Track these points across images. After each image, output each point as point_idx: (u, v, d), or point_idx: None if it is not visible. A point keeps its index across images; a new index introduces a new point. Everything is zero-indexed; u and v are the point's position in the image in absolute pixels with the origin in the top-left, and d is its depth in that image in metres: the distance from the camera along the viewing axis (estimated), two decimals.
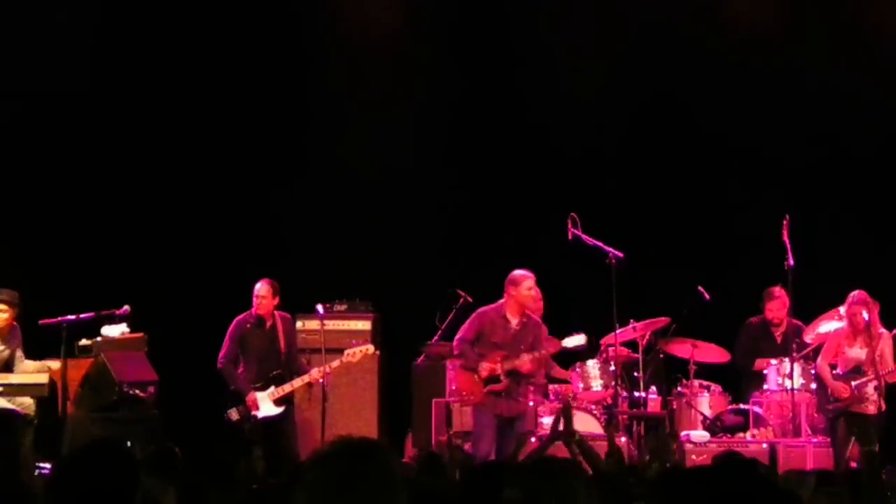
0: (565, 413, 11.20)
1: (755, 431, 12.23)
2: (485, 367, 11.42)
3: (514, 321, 11.51)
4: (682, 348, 12.68)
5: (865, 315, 11.58)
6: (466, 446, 11.95)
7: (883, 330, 11.69)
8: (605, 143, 14.46)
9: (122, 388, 11.53)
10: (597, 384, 12.61)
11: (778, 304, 12.83)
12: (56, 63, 13.96)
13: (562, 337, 11.81)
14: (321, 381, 12.03)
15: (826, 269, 12.69)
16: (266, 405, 11.94)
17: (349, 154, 14.55)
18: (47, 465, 11.00)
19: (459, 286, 13.25)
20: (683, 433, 12.18)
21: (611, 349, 12.23)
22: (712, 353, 12.82)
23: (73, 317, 11.55)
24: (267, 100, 14.61)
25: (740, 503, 3.57)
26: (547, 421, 12.13)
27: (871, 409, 11.56)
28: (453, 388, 12.10)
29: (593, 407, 12.41)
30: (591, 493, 4.42)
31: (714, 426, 12.34)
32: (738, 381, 12.98)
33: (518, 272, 11.55)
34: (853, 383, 11.54)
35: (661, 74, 14.48)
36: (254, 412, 11.91)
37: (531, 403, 11.93)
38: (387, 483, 3.42)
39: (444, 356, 13.04)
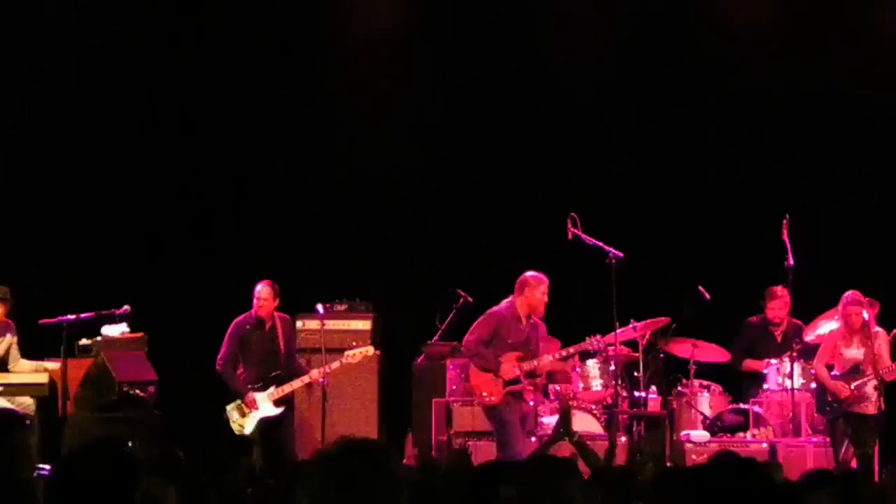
0: (564, 414, 11.24)
1: (755, 431, 12.22)
2: (507, 369, 11.47)
3: (524, 322, 11.57)
4: (682, 348, 12.68)
5: (865, 315, 11.59)
6: (471, 444, 11.97)
7: (878, 329, 11.69)
8: (605, 142, 14.47)
9: (122, 388, 11.53)
10: (597, 384, 12.62)
11: (780, 304, 12.82)
12: (56, 62, 13.97)
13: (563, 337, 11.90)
14: (321, 381, 12.03)
15: (826, 269, 12.68)
16: (265, 405, 11.94)
17: (349, 154, 14.56)
18: (47, 466, 10.99)
19: (459, 286, 13.26)
20: (683, 433, 12.18)
21: (611, 349, 12.23)
22: (712, 353, 12.81)
23: (73, 317, 11.56)
24: (266, 99, 14.60)
25: (737, 502, 3.58)
26: (547, 421, 12.14)
27: (871, 408, 11.55)
28: (470, 387, 11.89)
29: (593, 407, 12.41)
30: (588, 493, 4.43)
31: (714, 426, 12.34)
32: (739, 381, 12.99)
33: (533, 274, 11.59)
34: (853, 384, 11.54)
35: (661, 74, 14.48)
36: (253, 413, 11.91)
37: (531, 403, 11.95)
38: (387, 483, 3.43)
39: (444, 356, 13.05)
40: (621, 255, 11.94)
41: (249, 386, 11.97)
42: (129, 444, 11.01)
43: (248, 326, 12.06)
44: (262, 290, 12.04)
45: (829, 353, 11.76)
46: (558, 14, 14.46)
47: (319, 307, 12.60)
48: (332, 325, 12.91)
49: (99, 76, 14.32)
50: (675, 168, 14.37)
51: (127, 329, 12.10)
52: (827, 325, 12.29)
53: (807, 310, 12.50)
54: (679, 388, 12.64)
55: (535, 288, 11.53)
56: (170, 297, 13.66)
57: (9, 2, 14.23)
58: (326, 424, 12.03)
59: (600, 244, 12.03)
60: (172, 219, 14.32)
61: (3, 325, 11.73)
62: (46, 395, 11.50)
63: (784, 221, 12.21)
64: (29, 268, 13.68)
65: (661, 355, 12.71)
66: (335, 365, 12.05)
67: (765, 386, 12.57)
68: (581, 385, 12.62)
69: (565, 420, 11.45)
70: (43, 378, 11.52)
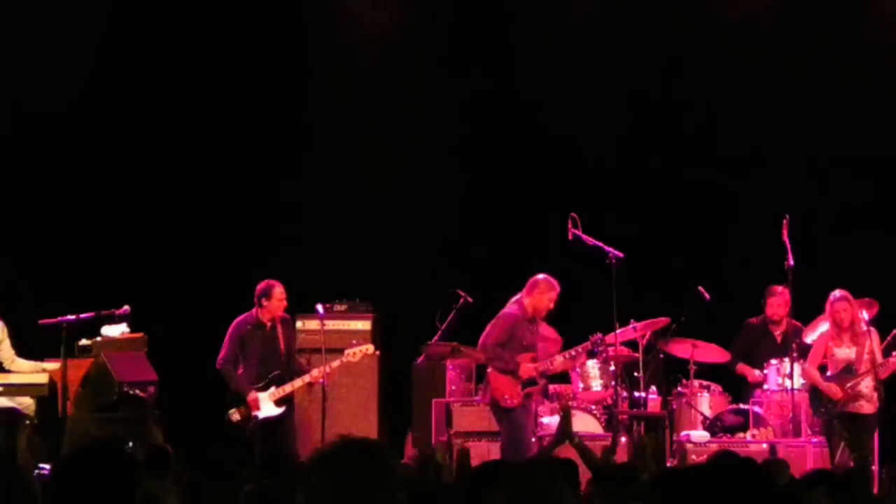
0: (565, 416, 11.27)
1: (755, 431, 12.22)
2: (526, 370, 11.52)
3: (535, 322, 11.66)
4: (682, 348, 12.68)
5: (865, 315, 11.59)
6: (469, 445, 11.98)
7: (869, 328, 11.68)
8: (605, 142, 14.45)
9: (122, 388, 11.52)
10: (597, 384, 12.62)
11: (779, 300, 12.82)
12: (56, 62, 13.96)
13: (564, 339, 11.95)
14: (321, 381, 12.03)
15: (826, 269, 12.68)
16: (267, 405, 11.94)
17: (349, 154, 14.56)
18: (47, 466, 10.99)
19: (459, 286, 13.25)
20: (683, 433, 12.18)
21: (611, 349, 12.23)
22: (712, 353, 12.81)
23: (73, 317, 11.55)
24: (267, 99, 14.61)
25: (737, 502, 3.58)
26: (547, 421, 12.15)
27: (867, 407, 11.55)
28: (490, 390, 11.79)
29: (593, 407, 12.41)
30: (579, 494, 4.43)
31: (714, 426, 12.33)
32: (739, 381, 12.98)
33: (545, 278, 11.64)
34: (847, 385, 11.53)
35: (661, 74, 14.48)
36: (254, 412, 11.91)
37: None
38: (387, 481, 3.43)
39: (444, 356, 13.04)
40: (621, 255, 11.95)
41: (251, 386, 11.97)
42: (130, 444, 11.02)
43: (248, 326, 12.06)
44: (280, 291, 12.04)
45: (820, 355, 11.76)
46: (559, 14, 14.45)
47: (319, 307, 12.59)
48: (332, 325, 12.90)
49: (99, 76, 14.31)
50: (675, 168, 14.36)
51: (127, 329, 12.09)
52: (825, 326, 12.28)
53: (807, 310, 12.49)
54: (679, 389, 12.64)
55: (544, 293, 11.60)
56: (170, 297, 13.66)
57: (9, 2, 14.24)
58: (326, 424, 12.02)
59: (600, 244, 12.04)
60: (172, 218, 14.31)
61: None
62: (46, 396, 11.49)
63: (784, 221, 12.21)
64: (29, 268, 13.69)
65: (661, 355, 12.72)
66: (335, 364, 12.05)
67: (765, 386, 12.57)
68: (581, 385, 12.62)
69: (566, 422, 11.47)
70: (43, 378, 11.51)
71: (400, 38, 14.63)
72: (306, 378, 12.04)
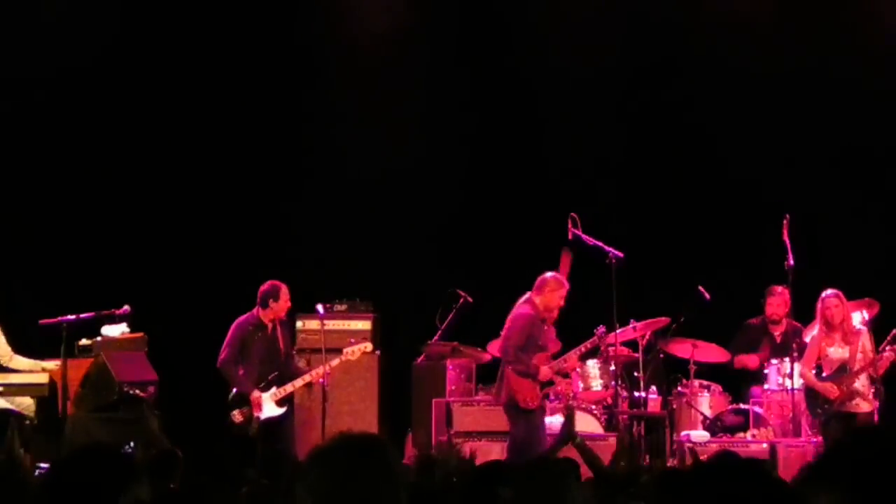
0: (569, 417, 11.28)
1: (755, 431, 12.22)
2: (545, 373, 11.57)
3: (544, 322, 11.67)
4: (682, 348, 12.68)
5: (866, 315, 11.59)
6: (467, 447, 11.96)
7: (861, 327, 11.68)
8: (605, 142, 14.46)
9: (122, 388, 11.51)
10: (597, 384, 12.62)
11: (779, 300, 12.83)
12: (57, 61, 13.96)
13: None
14: (321, 381, 12.03)
15: (826, 269, 12.68)
16: (269, 406, 11.94)
17: (349, 154, 14.55)
18: (47, 466, 10.99)
19: (459, 286, 13.25)
20: (683, 433, 12.18)
21: (611, 349, 12.23)
22: (712, 353, 12.81)
23: (73, 317, 11.54)
24: (267, 99, 14.60)
25: (737, 502, 3.57)
26: (548, 421, 12.14)
27: (863, 406, 11.54)
28: (511, 392, 11.68)
29: (593, 407, 12.41)
30: (586, 494, 4.42)
31: (714, 426, 12.34)
32: (739, 380, 12.99)
33: (554, 276, 11.63)
34: (843, 384, 11.53)
35: (661, 74, 14.48)
36: (257, 413, 11.91)
37: None
38: (386, 477, 3.43)
39: (444, 356, 13.05)
40: (621, 255, 11.95)
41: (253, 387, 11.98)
42: (132, 444, 11.03)
43: (250, 327, 12.05)
44: (287, 292, 12.02)
45: (814, 356, 11.76)
46: (560, 14, 14.45)
47: (319, 307, 12.59)
48: (332, 325, 12.90)
49: (99, 77, 14.31)
50: (675, 168, 14.37)
51: (127, 329, 12.08)
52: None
53: (807, 310, 12.48)
54: (679, 388, 12.64)
55: (555, 290, 11.58)
56: (170, 297, 13.65)
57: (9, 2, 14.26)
58: (326, 424, 12.02)
59: (600, 244, 12.04)
60: (172, 218, 14.31)
61: None
62: (46, 396, 11.48)
63: (784, 221, 12.21)
64: (29, 268, 13.69)
65: (661, 355, 12.72)
66: (335, 362, 12.05)
67: (765, 386, 12.57)
68: (581, 385, 12.62)
69: (570, 423, 11.49)
70: (43, 378, 11.50)
71: (400, 38, 14.63)
72: (307, 378, 12.04)
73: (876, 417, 11.65)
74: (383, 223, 14.35)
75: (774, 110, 14.21)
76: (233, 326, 12.06)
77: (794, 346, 12.26)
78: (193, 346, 12.61)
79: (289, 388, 11.99)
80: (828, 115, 14.00)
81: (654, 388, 12.71)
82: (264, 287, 12.05)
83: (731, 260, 13.81)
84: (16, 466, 10.69)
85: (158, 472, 6.76)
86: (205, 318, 12.79)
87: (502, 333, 11.74)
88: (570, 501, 4.60)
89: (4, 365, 11.62)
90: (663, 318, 12.46)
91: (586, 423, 12.06)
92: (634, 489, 6.45)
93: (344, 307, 13.53)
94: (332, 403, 12.51)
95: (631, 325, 12.38)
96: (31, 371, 11.60)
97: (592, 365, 12.61)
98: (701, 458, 11.31)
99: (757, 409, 12.44)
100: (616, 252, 11.94)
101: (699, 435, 12.10)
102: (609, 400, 12.40)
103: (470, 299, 13.12)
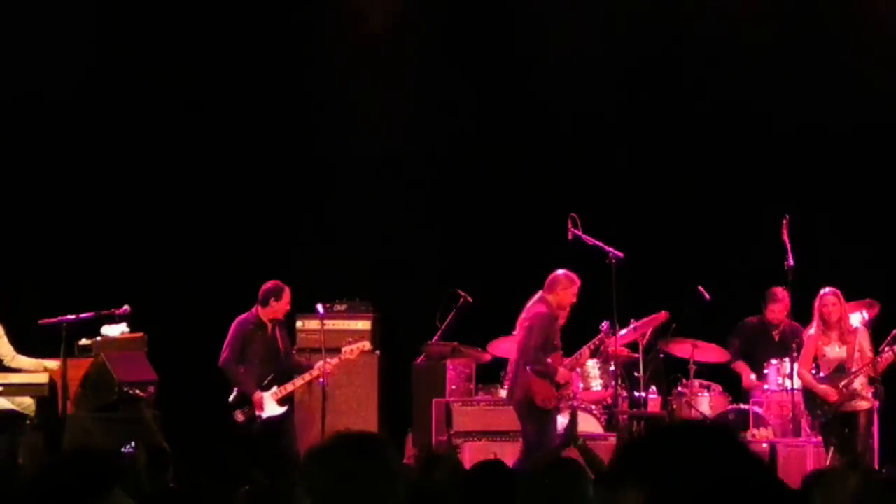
0: (572, 418, 11.30)
1: (755, 431, 12.22)
2: (563, 374, 11.60)
3: (556, 321, 11.67)
4: (682, 348, 12.67)
5: (866, 315, 11.59)
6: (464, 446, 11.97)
7: (858, 326, 11.67)
8: (605, 142, 14.46)
9: (122, 388, 11.51)
10: (597, 384, 12.62)
11: (780, 307, 12.83)
12: (57, 61, 13.96)
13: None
14: (321, 381, 12.03)
15: (826, 269, 12.68)
16: (270, 405, 11.95)
17: (349, 153, 14.55)
18: None
19: (459, 286, 13.25)
20: None
21: (611, 349, 12.23)
22: (712, 353, 12.81)
23: (73, 317, 11.54)
24: (267, 99, 14.60)
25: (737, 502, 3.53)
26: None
27: (863, 404, 11.53)
28: (531, 393, 11.62)
29: (593, 407, 12.41)
30: (598, 495, 4.41)
31: None
32: (739, 381, 12.98)
33: (567, 273, 11.58)
34: (840, 384, 11.51)
35: (662, 75, 14.47)
36: (258, 413, 11.91)
37: None
38: (385, 475, 3.43)
39: (444, 356, 13.05)
40: (621, 255, 11.94)
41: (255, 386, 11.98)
42: (132, 444, 11.02)
43: (251, 326, 12.06)
44: (289, 292, 12.03)
45: (811, 357, 11.72)
46: (561, 13, 14.44)
47: (319, 307, 12.60)
48: (332, 325, 12.90)
49: (99, 76, 14.31)
50: (675, 168, 14.36)
51: (127, 329, 12.08)
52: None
53: (807, 310, 12.47)
54: (679, 388, 12.64)
55: (567, 288, 11.54)
56: (170, 297, 13.65)
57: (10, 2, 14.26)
58: (326, 424, 12.02)
59: (600, 244, 12.03)
60: (172, 218, 14.31)
61: None
62: (46, 396, 11.48)
63: (784, 221, 12.21)
64: (29, 267, 13.69)
65: (661, 355, 12.71)
66: (334, 361, 12.06)
67: (765, 386, 12.57)
68: (581, 385, 12.62)
69: (573, 424, 11.49)
70: (43, 378, 11.50)
71: (399, 34, 14.63)
72: (307, 376, 12.05)
73: (876, 417, 11.65)
74: (383, 223, 14.35)
75: (775, 110, 14.21)
76: (233, 325, 12.07)
77: (793, 346, 12.25)
78: (193, 346, 12.62)
79: (290, 386, 12.00)
80: (828, 116, 13.99)
81: (654, 388, 12.70)
82: (268, 285, 12.05)
83: (731, 260, 13.81)
84: (16, 466, 10.72)
85: (150, 469, 6.75)
86: (205, 318, 12.79)
87: (519, 333, 11.65)
88: (584, 500, 4.60)
89: (7, 365, 11.62)
90: (662, 313, 12.40)
91: (586, 423, 12.06)
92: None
93: (344, 307, 13.53)
94: (332, 403, 12.51)
95: (632, 326, 12.38)
96: (32, 371, 11.60)
97: (592, 365, 12.61)
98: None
99: (757, 409, 12.44)
100: (616, 252, 11.93)
101: None
102: (609, 400, 12.40)
103: (470, 299, 13.11)
